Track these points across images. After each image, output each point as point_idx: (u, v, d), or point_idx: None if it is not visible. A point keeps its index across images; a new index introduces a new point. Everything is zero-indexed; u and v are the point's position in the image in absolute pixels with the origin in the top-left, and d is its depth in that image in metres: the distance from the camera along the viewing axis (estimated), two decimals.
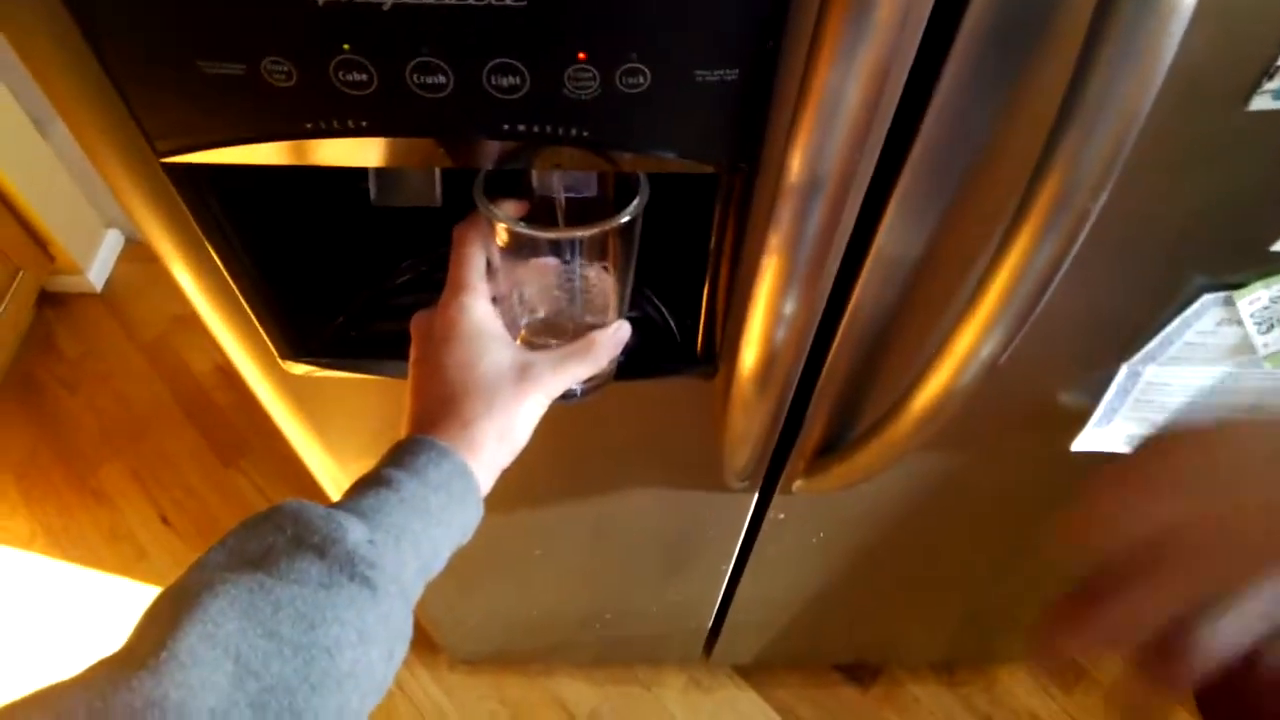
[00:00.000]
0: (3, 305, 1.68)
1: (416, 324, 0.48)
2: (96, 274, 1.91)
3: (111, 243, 1.96)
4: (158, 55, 0.34)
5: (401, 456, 0.41)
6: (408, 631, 0.38)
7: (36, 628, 1.46)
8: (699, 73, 0.34)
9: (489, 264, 0.47)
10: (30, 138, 1.69)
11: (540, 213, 0.48)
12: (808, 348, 0.55)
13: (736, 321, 0.47)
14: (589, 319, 0.50)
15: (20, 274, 1.72)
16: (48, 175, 1.74)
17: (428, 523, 0.39)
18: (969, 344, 0.43)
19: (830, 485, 0.68)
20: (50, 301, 1.89)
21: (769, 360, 0.45)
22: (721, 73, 0.34)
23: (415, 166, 0.41)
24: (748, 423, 0.53)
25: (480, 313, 0.45)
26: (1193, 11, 0.29)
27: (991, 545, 0.92)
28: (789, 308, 0.41)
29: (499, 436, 0.44)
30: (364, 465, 0.64)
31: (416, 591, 0.39)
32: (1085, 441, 0.64)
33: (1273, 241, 0.47)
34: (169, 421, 1.72)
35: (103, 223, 1.94)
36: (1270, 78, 0.36)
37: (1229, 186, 0.44)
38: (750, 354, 0.45)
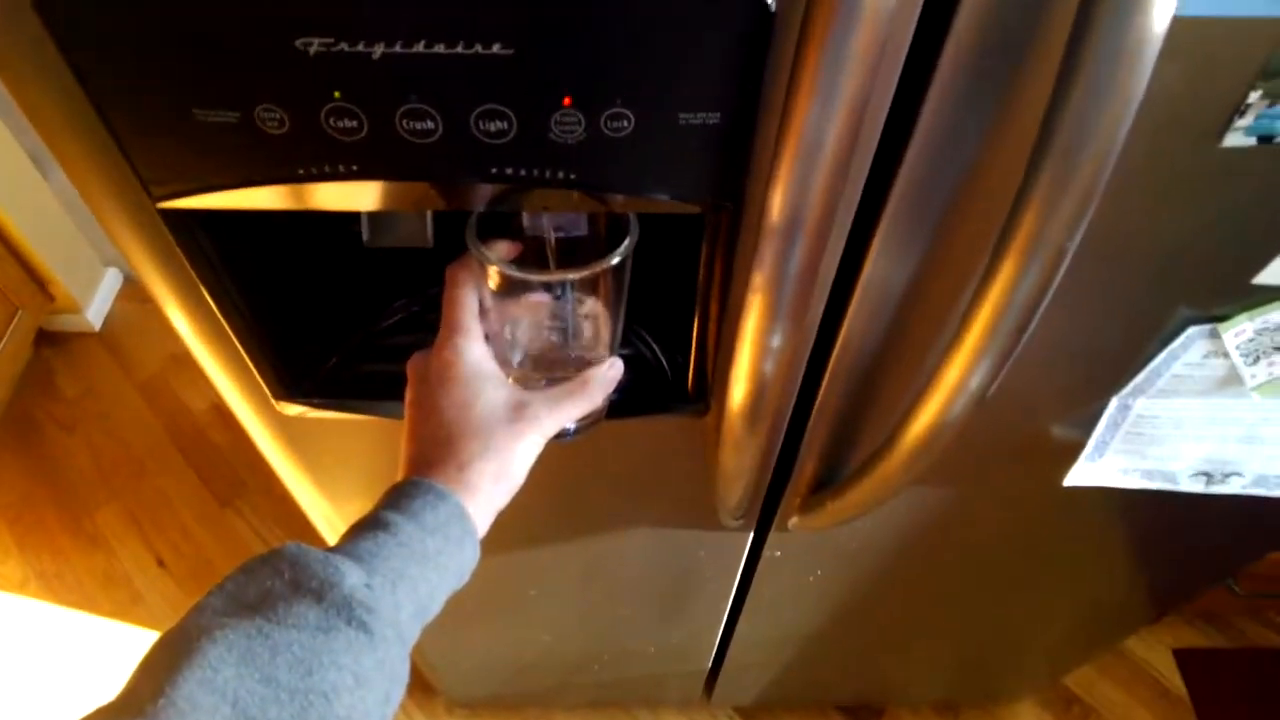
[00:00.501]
0: (1, 345, 1.68)
1: (412, 366, 0.48)
2: (95, 313, 1.92)
3: (110, 282, 1.97)
4: (153, 103, 0.35)
5: (398, 499, 0.41)
6: (404, 675, 0.38)
7: (30, 674, 1.44)
8: (682, 116, 0.35)
9: (481, 303, 0.47)
10: (30, 177, 1.71)
11: (532, 251, 0.49)
12: (797, 383, 0.55)
13: (726, 358, 0.47)
14: (581, 356, 0.50)
15: (19, 313, 1.73)
16: (47, 214, 1.76)
17: (424, 567, 0.39)
18: (956, 378, 0.43)
19: (825, 522, 0.67)
20: (48, 340, 1.90)
21: (758, 396, 0.46)
22: (704, 116, 0.35)
23: (406, 209, 0.41)
24: (739, 460, 0.53)
25: (475, 354, 0.46)
26: (1162, 49, 0.30)
27: (989, 580, 0.91)
28: (775, 344, 0.41)
29: (495, 477, 0.44)
30: (358, 506, 0.64)
31: (413, 635, 0.39)
32: (1077, 476, 0.64)
33: (1255, 274, 0.48)
34: (166, 461, 1.71)
35: (101, 261, 1.95)
36: (1241, 115, 0.37)
37: (1209, 221, 0.44)
38: (739, 391, 0.46)
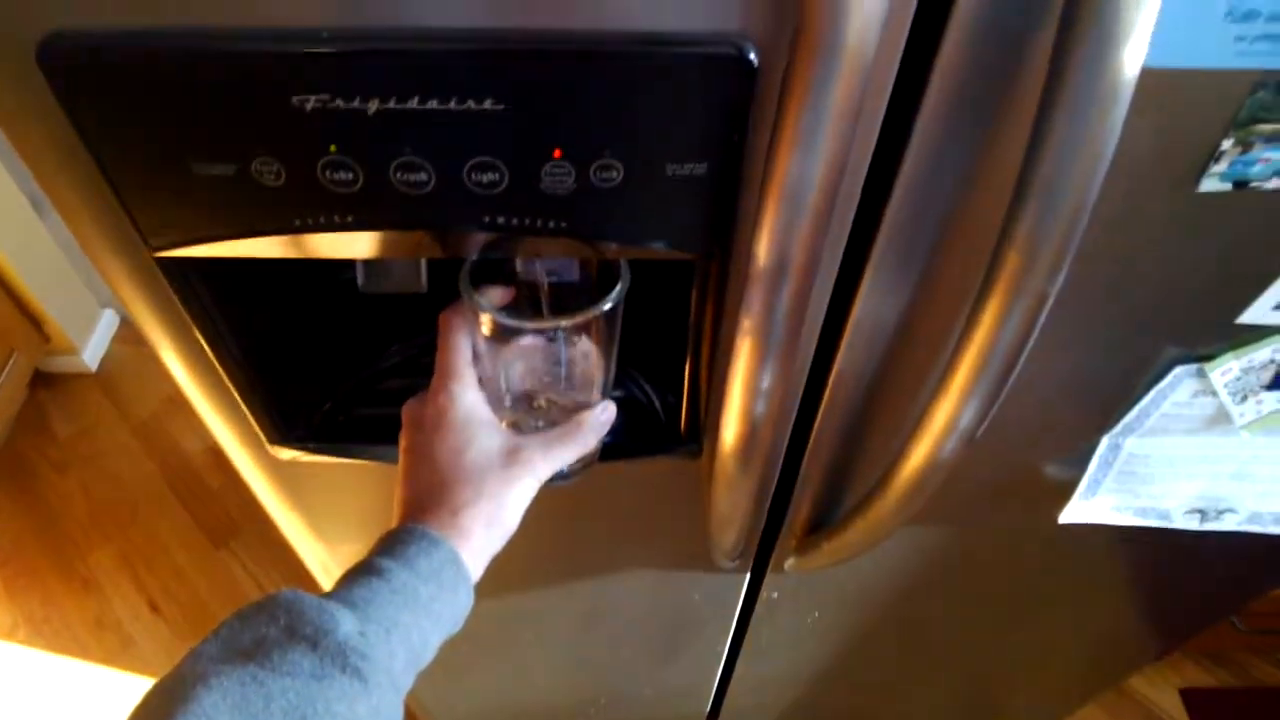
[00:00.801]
0: None
1: (407, 412, 0.48)
2: (91, 354, 1.92)
3: (106, 323, 1.98)
4: (152, 156, 0.36)
5: (392, 545, 0.41)
6: None
7: None
8: (670, 166, 0.35)
9: (475, 349, 0.48)
10: (27, 219, 1.72)
11: (526, 295, 0.49)
12: (789, 424, 0.55)
13: (719, 400, 0.48)
14: (575, 400, 0.50)
15: (14, 354, 1.74)
16: (44, 256, 1.77)
17: (418, 614, 0.39)
18: (945, 419, 0.44)
19: (821, 563, 0.67)
20: (44, 382, 1.90)
21: (749, 438, 0.46)
22: (691, 166, 0.36)
23: (400, 256, 0.42)
24: (732, 501, 0.53)
25: (469, 400, 0.46)
26: (1135, 100, 0.31)
27: (989, 619, 0.91)
28: (765, 385, 0.41)
29: (489, 522, 0.44)
30: (351, 549, 0.63)
31: (407, 682, 0.39)
32: (1072, 514, 0.64)
33: (1239, 314, 0.48)
34: (160, 503, 1.70)
35: (98, 303, 1.96)
36: (1216, 161, 0.38)
37: (1191, 263, 0.45)
38: (730, 432, 0.46)
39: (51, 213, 1.82)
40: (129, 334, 2.00)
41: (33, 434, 1.81)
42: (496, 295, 0.48)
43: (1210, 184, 0.39)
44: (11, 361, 1.73)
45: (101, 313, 1.97)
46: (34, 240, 1.75)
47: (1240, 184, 0.39)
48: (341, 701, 0.34)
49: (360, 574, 0.40)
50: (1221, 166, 0.38)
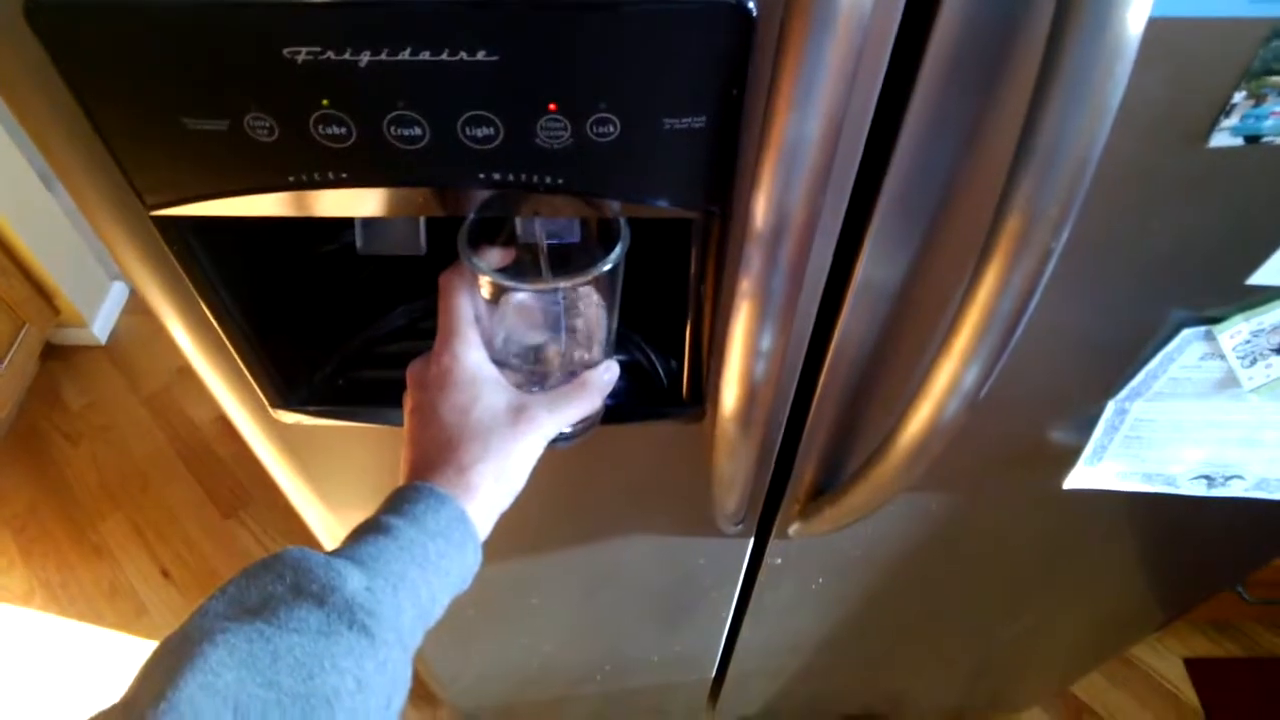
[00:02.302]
0: (8, 359, 1.70)
1: (411, 373, 0.48)
2: (101, 327, 1.93)
3: (116, 296, 1.99)
4: (144, 112, 0.35)
5: (400, 504, 0.41)
6: (406, 680, 0.38)
7: (34, 686, 1.44)
8: (667, 121, 0.35)
9: (476, 310, 0.47)
10: (37, 192, 1.73)
11: (526, 255, 0.49)
12: (791, 386, 0.55)
13: (721, 362, 0.48)
14: (577, 360, 0.50)
15: (25, 327, 1.75)
16: (53, 229, 1.77)
17: (426, 570, 0.39)
18: (947, 380, 0.43)
19: (824, 528, 0.67)
20: (55, 354, 1.91)
21: (749, 400, 0.46)
22: (689, 120, 0.35)
23: (396, 215, 0.42)
24: (734, 464, 0.53)
25: (473, 358, 0.46)
26: (1144, 52, 0.30)
27: (992, 587, 0.91)
28: (765, 347, 0.41)
29: (496, 480, 0.44)
30: (356, 513, 0.64)
31: (415, 640, 0.39)
32: (1076, 479, 0.64)
33: (1248, 275, 0.47)
34: (170, 473, 1.72)
35: (107, 276, 1.97)
36: (1227, 115, 0.37)
37: (1200, 222, 0.44)
38: (731, 395, 0.46)
39: (60, 186, 1.82)
40: (138, 306, 2.01)
41: (45, 405, 1.83)
42: (495, 257, 0.47)
43: (1221, 139, 0.38)
44: (23, 334, 1.74)
45: (111, 285, 1.98)
46: (44, 214, 1.75)
47: (1252, 139, 0.38)
48: (348, 657, 0.34)
49: (368, 531, 0.40)
50: (1233, 120, 0.37)
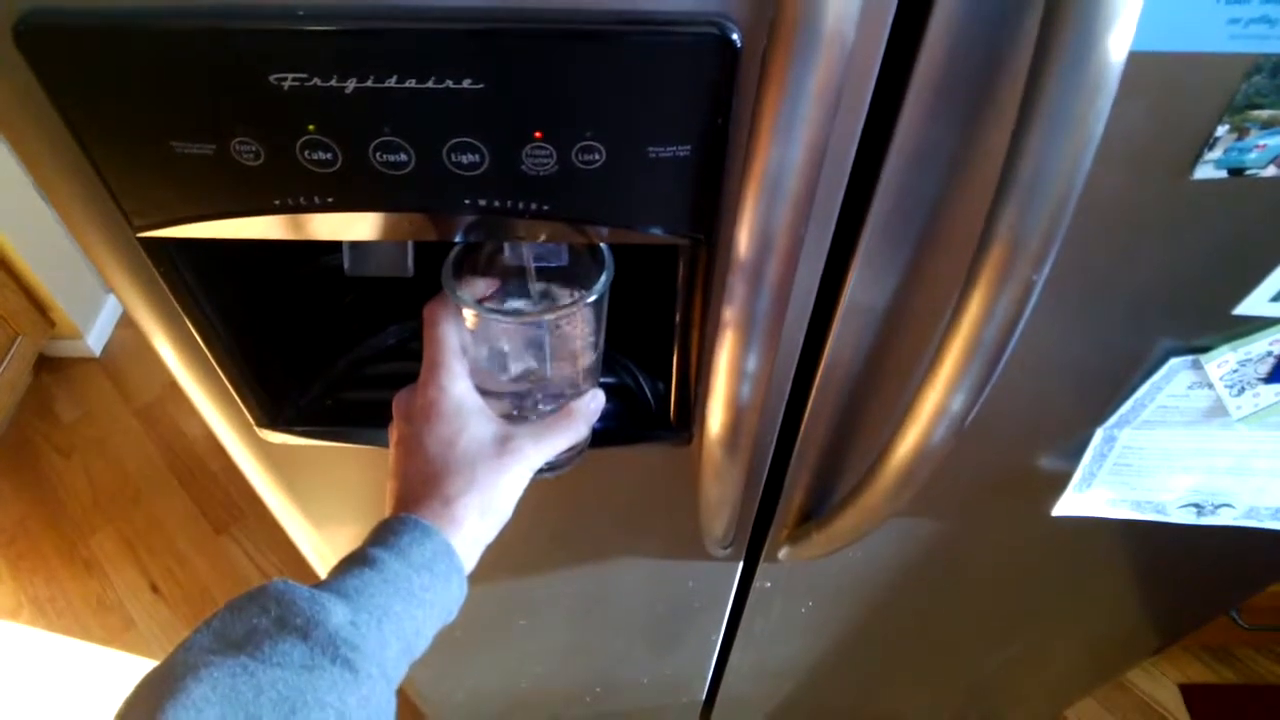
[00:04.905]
0: (0, 369, 1.69)
1: (397, 404, 0.48)
2: (95, 339, 1.93)
3: (111, 308, 1.99)
4: (132, 135, 0.36)
5: (385, 536, 0.41)
6: (389, 713, 0.37)
7: (22, 702, 1.43)
8: (652, 149, 0.35)
9: (462, 340, 0.47)
10: (33, 205, 1.73)
11: (514, 280, 0.49)
12: (778, 413, 0.55)
13: (708, 387, 0.47)
14: (563, 389, 0.50)
15: (20, 339, 1.74)
16: (49, 242, 1.78)
17: (410, 604, 0.39)
18: (934, 406, 0.43)
19: (814, 552, 0.67)
20: (48, 366, 1.91)
21: (735, 424, 0.45)
22: (674, 149, 0.35)
23: (383, 239, 0.42)
24: (721, 488, 0.53)
25: (458, 390, 0.46)
26: (1127, 85, 0.30)
27: (984, 612, 0.90)
28: (750, 371, 0.41)
29: (482, 512, 0.44)
30: (343, 532, 0.63)
31: (399, 673, 0.39)
32: (1066, 506, 0.64)
33: (1235, 305, 0.48)
34: (162, 487, 1.71)
35: (102, 288, 1.97)
36: (1210, 148, 0.37)
37: (1186, 253, 0.44)
38: (716, 420, 0.46)
39: None
40: (132, 319, 2.00)
41: (37, 418, 1.83)
42: (480, 287, 0.47)
43: (1205, 171, 0.39)
44: (16, 346, 1.74)
45: (106, 298, 1.98)
46: (40, 226, 1.75)
47: (1235, 171, 0.38)
48: (331, 692, 0.34)
49: (352, 564, 0.40)
50: (1216, 153, 0.38)
